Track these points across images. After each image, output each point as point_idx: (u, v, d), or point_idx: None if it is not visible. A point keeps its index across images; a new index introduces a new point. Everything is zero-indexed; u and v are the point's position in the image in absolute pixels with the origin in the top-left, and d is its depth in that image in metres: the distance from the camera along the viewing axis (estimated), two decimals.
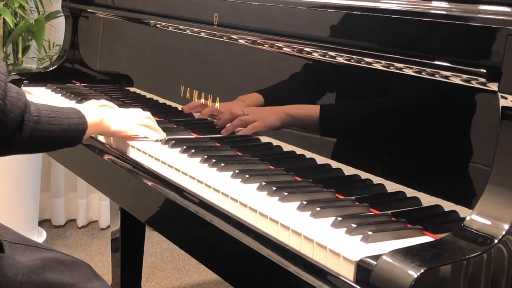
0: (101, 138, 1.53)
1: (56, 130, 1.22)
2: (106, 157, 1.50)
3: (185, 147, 1.37)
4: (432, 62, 1.03)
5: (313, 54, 1.26)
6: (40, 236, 2.84)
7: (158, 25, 1.77)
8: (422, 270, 0.80)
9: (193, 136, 1.52)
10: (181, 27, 1.66)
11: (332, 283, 0.91)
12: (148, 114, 1.49)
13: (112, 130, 1.41)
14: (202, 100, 1.57)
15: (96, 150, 1.54)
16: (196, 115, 1.61)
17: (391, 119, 1.15)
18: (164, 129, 1.47)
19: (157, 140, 1.43)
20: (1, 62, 1.17)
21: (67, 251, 1.37)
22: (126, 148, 1.45)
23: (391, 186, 1.12)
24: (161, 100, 1.78)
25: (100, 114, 1.38)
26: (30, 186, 2.71)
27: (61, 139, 1.25)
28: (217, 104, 1.52)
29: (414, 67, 1.05)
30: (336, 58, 1.21)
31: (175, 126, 1.58)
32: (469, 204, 0.98)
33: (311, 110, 1.28)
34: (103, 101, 1.61)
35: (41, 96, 1.89)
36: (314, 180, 1.19)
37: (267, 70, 1.43)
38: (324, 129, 1.27)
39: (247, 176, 1.19)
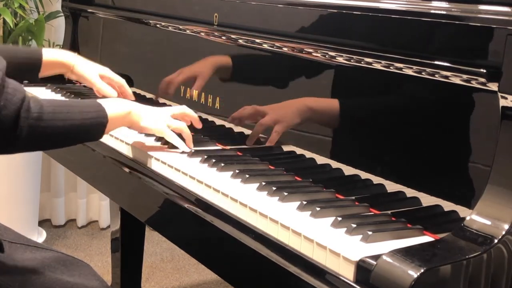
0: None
1: (64, 125, 1.15)
2: (106, 157, 1.50)
3: None
4: (432, 62, 1.03)
5: (313, 54, 1.26)
6: (40, 236, 2.84)
7: (158, 25, 1.77)
8: (422, 270, 0.80)
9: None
10: (181, 27, 1.66)
11: (332, 283, 0.91)
12: (183, 110, 1.41)
13: (141, 125, 1.32)
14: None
15: (96, 150, 1.54)
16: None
17: (391, 119, 1.15)
18: None
19: (182, 152, 1.35)
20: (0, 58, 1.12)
21: (67, 251, 1.36)
22: (126, 148, 1.45)
23: (391, 186, 1.12)
24: (161, 100, 1.78)
25: (127, 106, 1.30)
26: (30, 186, 2.71)
27: (71, 134, 1.18)
28: (217, 104, 1.52)
29: (414, 67, 1.05)
30: (336, 58, 1.21)
31: None
32: (469, 204, 0.98)
33: (331, 103, 1.26)
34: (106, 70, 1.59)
35: (41, 96, 1.89)
36: (314, 180, 1.19)
37: (267, 70, 1.43)
38: (342, 124, 1.24)
39: (247, 176, 1.19)
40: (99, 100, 1.26)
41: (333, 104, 1.25)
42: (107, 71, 1.60)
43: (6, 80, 1.09)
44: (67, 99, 1.25)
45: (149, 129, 1.34)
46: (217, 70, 1.47)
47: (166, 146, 1.40)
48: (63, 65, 1.52)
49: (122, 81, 1.63)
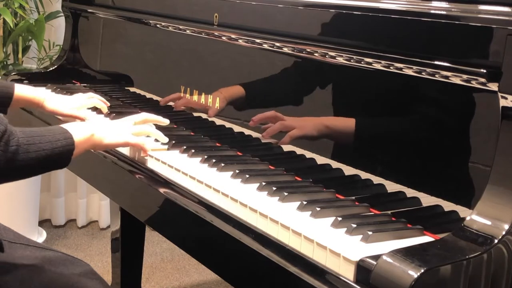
0: None
1: (36, 157, 1.15)
2: (106, 157, 1.50)
3: (185, 147, 1.37)
4: (432, 62, 1.03)
5: (313, 54, 1.26)
6: (40, 236, 2.84)
7: (158, 25, 1.77)
8: (422, 270, 0.80)
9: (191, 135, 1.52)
10: (181, 27, 1.66)
11: (332, 283, 0.91)
12: (144, 117, 1.42)
13: (104, 143, 1.33)
14: (184, 95, 1.57)
15: (96, 150, 1.54)
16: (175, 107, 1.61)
17: (391, 119, 1.15)
18: (163, 129, 1.47)
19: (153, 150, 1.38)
20: None
21: (67, 251, 1.36)
22: (126, 148, 1.45)
23: (391, 186, 1.12)
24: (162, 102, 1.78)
25: (90, 129, 1.30)
26: (30, 186, 2.71)
27: (42, 165, 1.18)
28: (217, 104, 1.52)
29: (414, 67, 1.05)
30: (336, 58, 1.21)
31: (175, 126, 1.58)
32: (469, 204, 0.98)
33: (347, 123, 1.24)
34: (91, 94, 1.62)
35: None
36: (314, 180, 1.19)
37: (267, 70, 1.43)
38: (359, 142, 1.21)
39: (247, 176, 1.19)
40: (65, 126, 1.26)
41: (348, 124, 1.24)
42: (80, 102, 1.60)
43: None
44: (38, 127, 1.25)
45: (114, 144, 1.35)
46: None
47: (166, 146, 1.40)
48: (33, 100, 1.54)
49: (94, 100, 1.65)
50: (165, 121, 1.46)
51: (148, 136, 1.42)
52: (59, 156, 1.20)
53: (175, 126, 1.58)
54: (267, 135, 1.38)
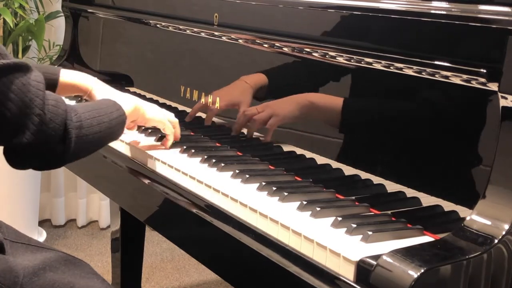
0: None
1: (99, 130, 1.16)
2: (106, 157, 1.50)
3: (185, 147, 1.37)
4: (432, 62, 1.03)
5: (313, 54, 1.26)
6: (40, 236, 2.84)
7: (158, 25, 1.77)
8: (422, 270, 0.80)
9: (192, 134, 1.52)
10: (181, 27, 1.66)
11: (332, 283, 0.91)
12: (176, 120, 1.44)
13: (147, 117, 1.36)
14: (202, 101, 1.57)
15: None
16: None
17: (391, 119, 1.15)
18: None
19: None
20: (36, 71, 1.09)
21: (67, 251, 1.36)
22: (126, 148, 1.45)
23: (391, 186, 1.12)
24: (161, 100, 1.78)
25: (133, 101, 1.33)
26: (30, 186, 2.71)
27: (105, 138, 1.19)
28: (217, 104, 1.52)
29: (414, 67, 1.05)
30: (336, 58, 1.21)
31: None
32: (469, 204, 0.98)
33: (332, 102, 1.24)
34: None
35: None
36: (314, 180, 1.19)
37: (267, 70, 1.43)
38: (342, 124, 1.22)
39: (247, 176, 1.20)
40: (111, 98, 1.28)
41: (334, 102, 1.25)
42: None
43: (46, 92, 1.08)
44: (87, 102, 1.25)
45: (154, 118, 1.38)
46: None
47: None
48: (79, 88, 1.47)
49: None
50: (169, 143, 1.42)
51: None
52: (116, 128, 1.22)
53: None
54: (251, 136, 1.40)
